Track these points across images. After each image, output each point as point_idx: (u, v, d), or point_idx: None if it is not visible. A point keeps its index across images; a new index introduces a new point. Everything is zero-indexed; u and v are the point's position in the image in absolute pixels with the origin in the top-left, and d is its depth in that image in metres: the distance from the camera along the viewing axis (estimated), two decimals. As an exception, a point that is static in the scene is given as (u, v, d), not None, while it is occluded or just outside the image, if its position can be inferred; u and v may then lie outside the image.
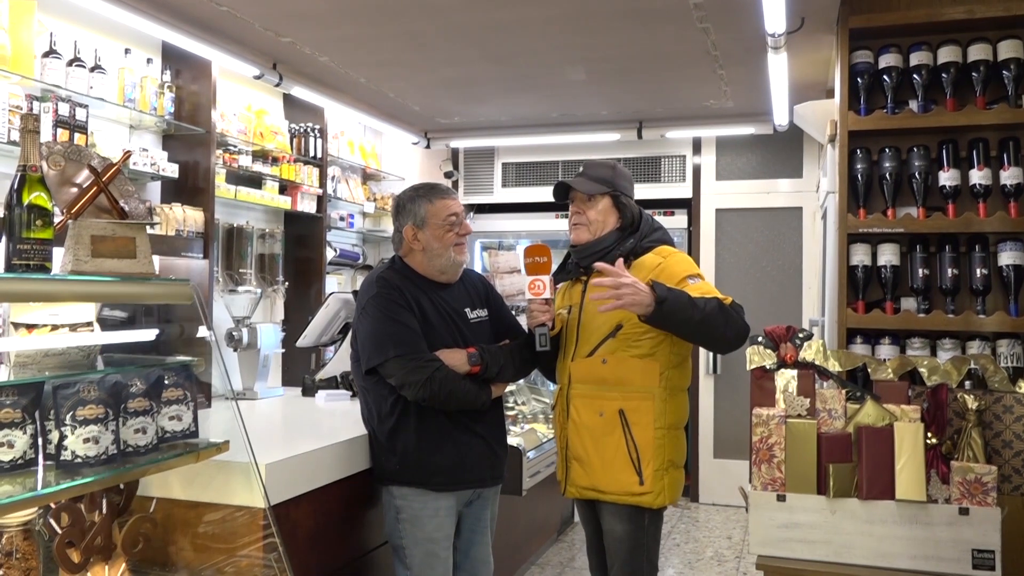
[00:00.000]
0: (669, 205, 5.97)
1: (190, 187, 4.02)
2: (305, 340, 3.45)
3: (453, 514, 2.42)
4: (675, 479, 2.47)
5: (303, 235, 4.96)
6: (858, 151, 3.20)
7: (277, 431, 2.88)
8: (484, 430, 2.45)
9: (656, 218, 2.64)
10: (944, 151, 3.12)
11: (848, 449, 2.31)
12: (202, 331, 1.84)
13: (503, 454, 2.56)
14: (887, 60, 3.17)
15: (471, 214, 6.61)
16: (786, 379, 2.50)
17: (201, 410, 1.91)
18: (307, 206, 4.86)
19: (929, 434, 2.33)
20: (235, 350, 4.10)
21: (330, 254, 5.14)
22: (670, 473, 2.44)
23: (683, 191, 5.97)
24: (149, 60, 3.86)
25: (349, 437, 2.45)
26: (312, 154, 4.90)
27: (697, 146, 5.91)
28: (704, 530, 5.19)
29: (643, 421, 2.40)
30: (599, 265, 2.31)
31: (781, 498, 2.33)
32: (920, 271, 3.10)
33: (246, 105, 4.51)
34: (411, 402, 2.34)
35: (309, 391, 3.57)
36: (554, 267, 2.50)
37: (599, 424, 2.44)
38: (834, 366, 2.58)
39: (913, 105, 3.15)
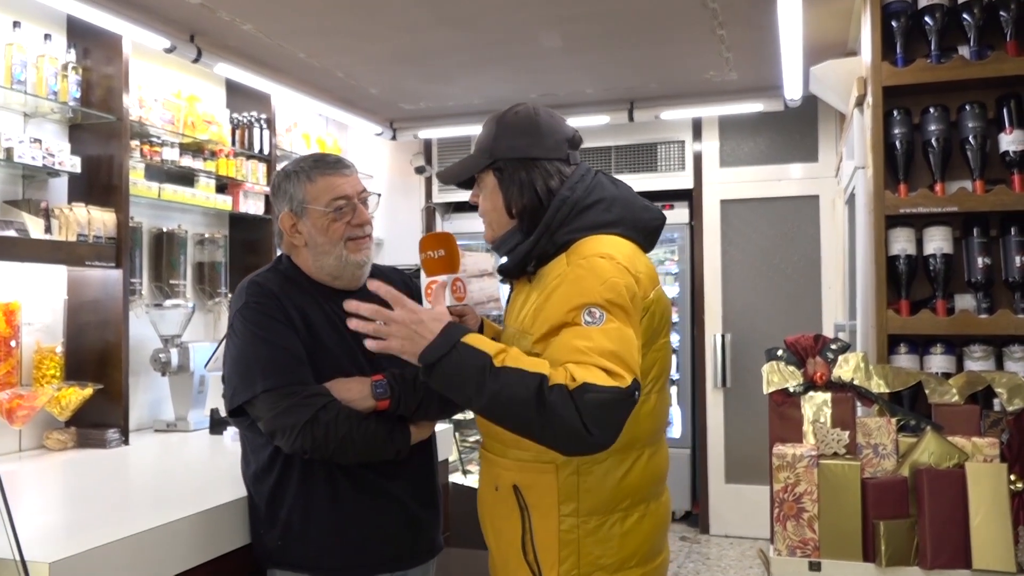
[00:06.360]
0: (668, 198, 5.43)
1: (101, 184, 3.44)
2: (216, 364, 2.84)
3: None
4: None
5: (251, 240, 4.36)
6: (895, 113, 2.64)
7: (132, 491, 2.27)
8: (401, 489, 1.81)
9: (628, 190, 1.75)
10: (1005, 108, 2.54)
11: (904, 499, 1.89)
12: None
13: (433, 519, 1.91)
14: (929, -4, 2.61)
15: (448, 214, 6.01)
16: (816, 405, 2.04)
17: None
18: (252, 206, 4.27)
19: (1013, 476, 1.89)
20: (163, 374, 3.57)
21: (283, 260, 4.57)
22: None
23: (683, 181, 5.44)
24: (47, 36, 3.29)
25: (221, 502, 1.82)
26: (258, 148, 4.32)
27: (697, 129, 5.36)
28: (716, 569, 4.56)
29: (542, 503, 1.59)
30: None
31: (815, 566, 1.92)
32: (979, 260, 2.53)
33: (175, 91, 3.92)
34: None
35: (217, 427, 2.96)
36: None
37: (494, 500, 1.70)
38: (879, 386, 2.11)
39: (964, 51, 2.58)
